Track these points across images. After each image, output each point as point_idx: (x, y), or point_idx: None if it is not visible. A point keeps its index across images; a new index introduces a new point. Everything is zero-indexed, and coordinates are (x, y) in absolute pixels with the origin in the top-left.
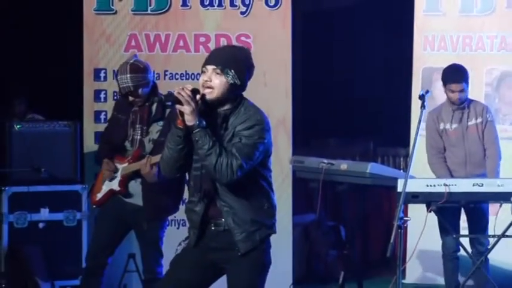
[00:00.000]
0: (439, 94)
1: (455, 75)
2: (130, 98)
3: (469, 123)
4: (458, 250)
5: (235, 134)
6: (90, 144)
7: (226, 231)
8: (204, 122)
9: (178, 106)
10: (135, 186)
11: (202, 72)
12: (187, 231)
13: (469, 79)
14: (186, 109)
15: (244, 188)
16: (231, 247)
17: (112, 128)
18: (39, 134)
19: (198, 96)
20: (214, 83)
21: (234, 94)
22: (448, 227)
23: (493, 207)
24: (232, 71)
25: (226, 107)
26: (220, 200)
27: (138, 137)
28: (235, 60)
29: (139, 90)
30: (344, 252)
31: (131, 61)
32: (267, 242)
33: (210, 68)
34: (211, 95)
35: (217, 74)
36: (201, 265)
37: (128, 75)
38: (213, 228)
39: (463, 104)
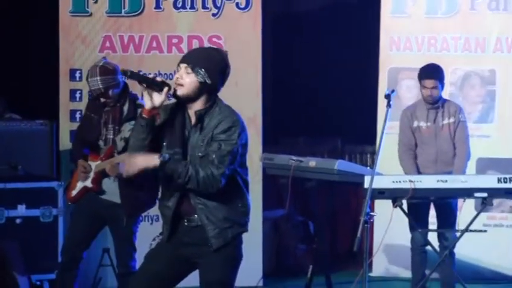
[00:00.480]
0: (405, 93)
1: (429, 72)
2: (102, 100)
3: (443, 122)
4: (426, 244)
5: (213, 138)
6: (66, 143)
7: (199, 227)
8: (167, 155)
9: (144, 88)
10: (108, 184)
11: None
12: (162, 227)
13: (444, 79)
14: (155, 97)
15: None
16: (204, 242)
17: (85, 127)
18: (16, 133)
19: (165, 89)
20: (185, 80)
21: (206, 93)
22: (413, 223)
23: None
24: (203, 70)
25: (200, 106)
26: (194, 197)
27: (111, 136)
28: (208, 60)
29: (110, 92)
30: (312, 247)
31: (100, 64)
32: (238, 238)
33: (182, 66)
34: (181, 91)
35: (188, 72)
36: (174, 260)
37: (98, 78)
38: (186, 224)
39: (437, 103)
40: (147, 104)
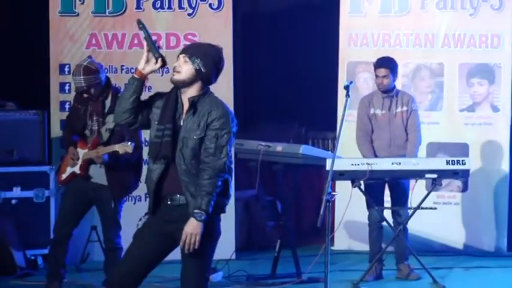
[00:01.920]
0: (362, 85)
1: (381, 61)
2: (85, 95)
3: (396, 110)
4: (382, 220)
5: (209, 127)
6: (56, 130)
7: (181, 205)
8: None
9: (147, 50)
10: (94, 169)
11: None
12: (148, 207)
13: (397, 70)
14: (148, 64)
15: None
16: (185, 219)
17: (73, 117)
18: (12, 122)
19: (160, 62)
20: (182, 68)
21: (201, 81)
22: (370, 201)
23: (411, 183)
24: (199, 59)
25: (194, 93)
26: (182, 179)
27: (96, 127)
28: (204, 52)
29: (92, 90)
30: (280, 223)
31: (84, 64)
32: (217, 217)
33: (181, 56)
34: (178, 76)
35: (186, 61)
36: (159, 238)
37: (81, 77)
38: (169, 202)
39: (388, 92)
40: (141, 65)
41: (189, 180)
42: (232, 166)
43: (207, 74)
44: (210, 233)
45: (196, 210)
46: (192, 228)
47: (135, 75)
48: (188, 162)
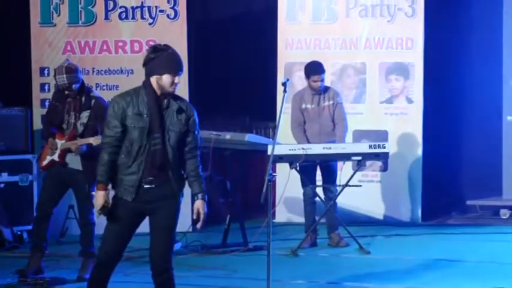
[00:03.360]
0: (297, 82)
1: (317, 69)
2: (66, 92)
3: (324, 104)
4: (315, 196)
5: (190, 123)
6: (38, 124)
7: (158, 187)
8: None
9: None
10: (71, 157)
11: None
12: (119, 191)
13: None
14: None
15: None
16: (163, 198)
17: (52, 113)
18: None
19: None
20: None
21: None
22: (305, 180)
23: (339, 164)
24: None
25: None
26: (167, 165)
27: (73, 121)
28: None
29: (73, 86)
30: (229, 200)
31: (65, 64)
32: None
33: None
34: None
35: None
36: (134, 217)
37: (64, 75)
38: (149, 186)
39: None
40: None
41: (173, 167)
42: None
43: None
44: (179, 207)
45: (201, 193)
46: (203, 207)
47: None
48: (173, 152)
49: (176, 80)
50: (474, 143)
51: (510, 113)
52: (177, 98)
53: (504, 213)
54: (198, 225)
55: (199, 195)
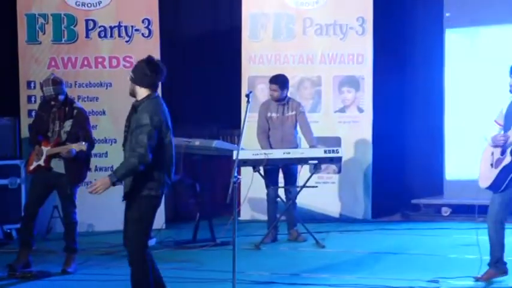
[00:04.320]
0: (259, 94)
1: (271, 79)
2: (52, 103)
3: (287, 114)
4: (277, 197)
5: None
6: (25, 132)
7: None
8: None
9: None
10: (55, 162)
11: None
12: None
13: (286, 85)
14: None
15: None
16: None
17: (38, 122)
18: None
19: None
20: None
21: (140, 87)
22: (267, 182)
23: (298, 167)
24: (131, 72)
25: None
26: None
27: (57, 129)
28: (135, 68)
29: (59, 97)
30: (199, 201)
31: (52, 77)
32: None
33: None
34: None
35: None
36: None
37: (51, 87)
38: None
39: (279, 101)
40: None
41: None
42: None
43: (136, 79)
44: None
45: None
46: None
47: None
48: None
49: None
50: (418, 147)
51: (451, 120)
52: None
53: (445, 211)
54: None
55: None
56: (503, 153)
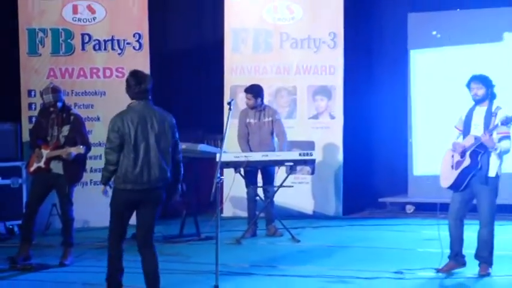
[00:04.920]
0: (240, 101)
1: (247, 89)
2: (51, 109)
3: (264, 120)
4: (256, 195)
5: None
6: (26, 137)
7: None
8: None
9: None
10: (55, 164)
11: None
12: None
13: (260, 94)
14: None
15: None
16: None
17: (38, 127)
18: None
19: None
20: None
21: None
22: (247, 182)
23: (276, 169)
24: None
25: None
26: None
27: (56, 134)
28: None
29: (58, 104)
30: (185, 199)
31: (51, 86)
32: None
33: None
34: None
35: None
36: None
37: (51, 95)
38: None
39: (255, 108)
40: None
41: None
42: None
43: (126, 90)
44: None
45: None
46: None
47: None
48: None
49: None
50: (385, 150)
51: (418, 125)
52: None
53: (409, 209)
54: None
55: None
56: (463, 155)
